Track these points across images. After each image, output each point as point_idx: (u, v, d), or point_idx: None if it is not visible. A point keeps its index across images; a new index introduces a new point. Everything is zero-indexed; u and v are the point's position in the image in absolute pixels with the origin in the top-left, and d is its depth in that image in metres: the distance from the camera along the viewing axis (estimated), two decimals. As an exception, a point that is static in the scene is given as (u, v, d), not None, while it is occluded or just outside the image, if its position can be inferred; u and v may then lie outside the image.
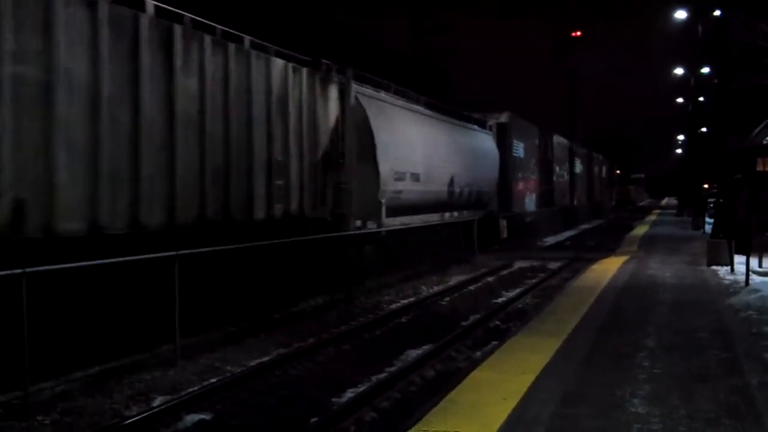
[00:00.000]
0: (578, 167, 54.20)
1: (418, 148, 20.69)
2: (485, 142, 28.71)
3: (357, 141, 17.14)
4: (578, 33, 74.46)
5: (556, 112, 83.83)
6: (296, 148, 14.86)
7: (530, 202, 35.67)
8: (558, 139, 44.80)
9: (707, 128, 42.17)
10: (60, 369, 9.32)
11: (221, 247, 11.91)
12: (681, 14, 36.13)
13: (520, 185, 33.47)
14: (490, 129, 29.95)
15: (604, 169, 72.87)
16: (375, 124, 17.81)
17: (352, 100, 17.25)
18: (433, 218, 21.79)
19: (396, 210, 18.81)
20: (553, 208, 42.40)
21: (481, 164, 26.83)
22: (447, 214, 23.35)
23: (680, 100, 61.75)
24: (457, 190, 23.73)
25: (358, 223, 17.07)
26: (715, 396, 7.34)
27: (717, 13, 23.71)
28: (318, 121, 15.83)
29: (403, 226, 19.38)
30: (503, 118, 31.33)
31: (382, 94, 19.62)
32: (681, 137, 78.92)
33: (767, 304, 12.72)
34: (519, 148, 33.07)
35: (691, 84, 48.95)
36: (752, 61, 25.38)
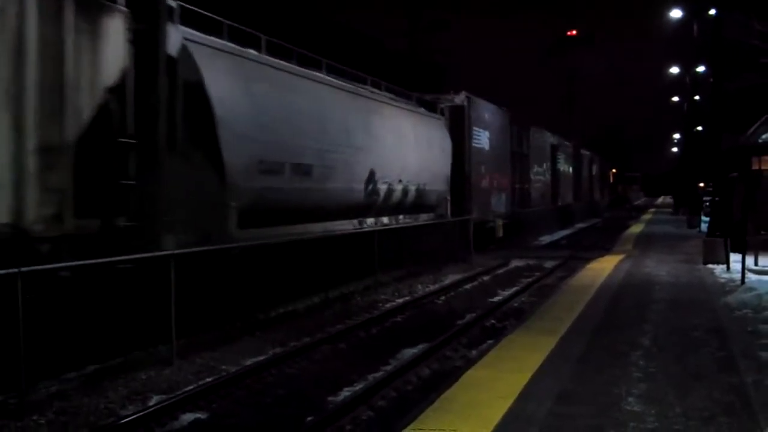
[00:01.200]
0: (562, 164, 49.14)
1: (310, 131, 15.18)
2: (433, 128, 23.53)
3: (183, 114, 11.85)
4: (574, 32, 74.55)
5: (554, 112, 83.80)
6: (6, 116, 8.97)
7: (499, 203, 30.07)
8: (537, 133, 40.01)
9: (703, 127, 42.19)
10: (55, 369, 9.29)
11: (218, 246, 11.89)
12: (677, 13, 36.20)
13: (484, 183, 27.80)
14: (442, 113, 24.94)
15: (594, 167, 68.74)
16: (216, 88, 12.31)
17: (172, 49, 11.60)
18: (341, 226, 16.97)
19: (266, 216, 13.72)
20: (532, 209, 37.39)
21: (425, 156, 21.95)
22: (369, 220, 18.78)
23: (676, 99, 61.90)
24: (381, 188, 18.82)
25: (185, 238, 11.67)
26: (711, 394, 7.36)
27: (712, 12, 23.76)
28: (69, 74, 9.71)
29: (278, 241, 13.86)
30: (459, 99, 25.77)
31: (248, 51, 14.11)
32: (677, 136, 79.05)
33: (763, 302, 12.74)
34: (481, 138, 27.49)
35: (687, 83, 49.01)
36: (747, 60, 25.41)
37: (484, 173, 27.68)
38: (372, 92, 19.67)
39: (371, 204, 18.47)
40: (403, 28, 47.18)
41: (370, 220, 18.66)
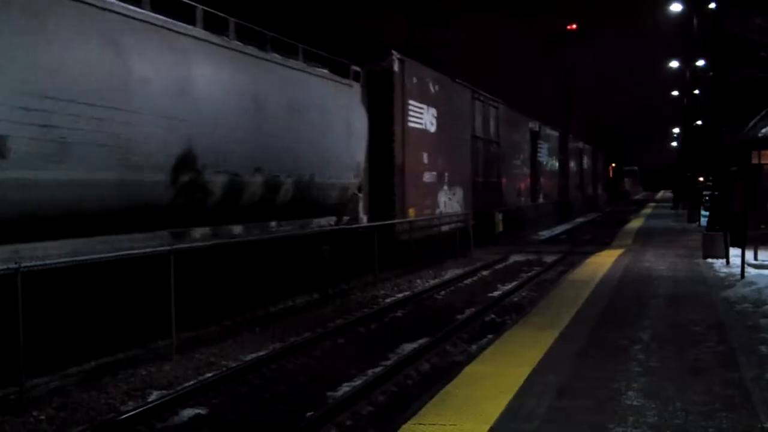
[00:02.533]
0: (545, 155, 42.79)
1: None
2: (337, 97, 16.79)
3: None
4: (574, 26, 74.48)
5: (554, 106, 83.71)
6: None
7: (452, 203, 24.23)
8: (512, 115, 33.56)
9: (702, 121, 42.17)
10: (55, 364, 9.30)
11: (216, 242, 11.89)
12: (676, 7, 36.17)
13: (428, 176, 21.89)
14: (357, 79, 17.99)
15: (586, 158, 62.04)
16: None
17: None
18: (88, 247, 9.97)
19: None
20: (505, 208, 31.41)
21: (315, 134, 15.53)
22: (197, 232, 12.29)
23: (676, 93, 61.88)
24: (214, 181, 12.36)
25: None
26: (711, 389, 7.35)
27: (712, 6, 23.74)
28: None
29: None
30: (387, 63, 19.29)
31: None
32: (676, 130, 79.03)
33: (762, 296, 12.73)
34: (424, 117, 21.35)
35: (687, 77, 48.98)
36: (747, 55, 25.39)
37: (427, 163, 21.59)
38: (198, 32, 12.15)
39: (189, 206, 11.94)
40: (401, 24, 47.16)
41: (197, 233, 12.28)
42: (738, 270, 15.76)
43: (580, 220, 50.10)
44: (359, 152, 17.81)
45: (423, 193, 21.41)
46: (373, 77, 18.78)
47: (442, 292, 17.35)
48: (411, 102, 20.41)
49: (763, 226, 20.60)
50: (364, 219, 18.14)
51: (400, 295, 16.47)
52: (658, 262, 19.15)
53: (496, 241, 28.39)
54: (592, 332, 10.17)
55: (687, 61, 47.05)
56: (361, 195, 18.05)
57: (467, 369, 8.23)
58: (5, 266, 8.16)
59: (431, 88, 22.35)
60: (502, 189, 31.33)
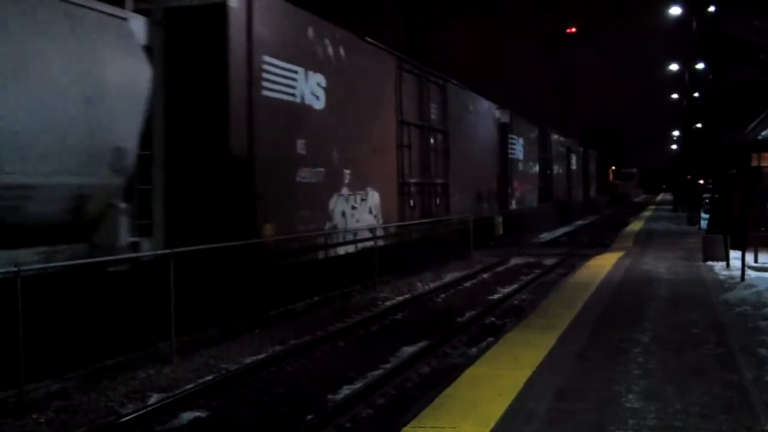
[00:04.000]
0: (520, 152, 35.06)
1: None
2: (61, 33, 9.75)
3: None
4: (573, 29, 74.57)
5: (554, 109, 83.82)
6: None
7: (361, 212, 17.73)
8: (467, 98, 26.89)
9: (702, 124, 42.17)
10: (55, 367, 9.29)
11: (215, 245, 11.88)
12: (676, 10, 36.21)
13: (307, 175, 15.08)
14: (144, 14, 11.61)
15: (574, 158, 54.03)
16: None
17: None
18: None
19: None
20: (448, 218, 23.92)
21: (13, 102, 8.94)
22: None
23: (675, 96, 61.94)
24: None
25: None
26: (710, 391, 7.35)
27: (711, 9, 23.77)
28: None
29: None
30: None
31: None
32: (676, 133, 79.08)
33: (762, 299, 12.73)
34: (299, 85, 14.79)
35: (686, 79, 49.04)
36: (746, 57, 25.42)
37: (305, 154, 14.91)
38: None
39: None
40: (401, 25, 47.22)
41: None
42: (738, 272, 15.75)
43: (579, 222, 50.04)
44: (125, 130, 10.76)
45: (297, 200, 14.73)
46: (184, 15, 12.28)
47: (442, 295, 17.35)
48: (269, 60, 13.74)
49: (763, 229, 20.62)
50: (139, 245, 11.09)
51: (400, 298, 16.47)
52: (658, 264, 19.14)
53: (494, 243, 28.37)
54: (592, 334, 10.16)
55: (686, 64, 47.09)
56: (124, 206, 10.84)
57: (467, 371, 8.22)
58: (5, 270, 8.16)
59: (316, 44, 15.63)
60: (448, 193, 24.01)
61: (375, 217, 18.60)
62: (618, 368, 8.26)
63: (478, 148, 28.15)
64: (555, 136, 45.81)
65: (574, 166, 53.86)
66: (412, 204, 21.28)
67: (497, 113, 31.43)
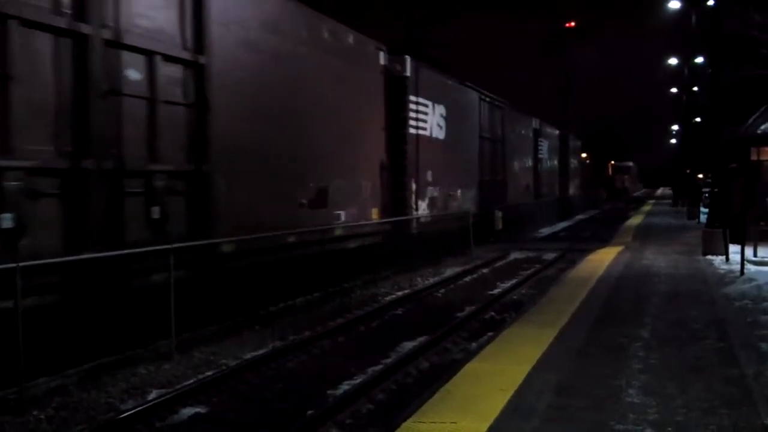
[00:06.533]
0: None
1: None
2: None
3: None
4: (572, 24, 74.43)
5: (553, 104, 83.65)
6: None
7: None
8: (365, 46, 18.51)
9: (701, 118, 42.13)
10: (55, 364, 9.28)
11: (214, 240, 11.88)
12: (675, 4, 36.17)
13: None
14: None
15: (545, 145, 41.74)
16: None
17: None
18: None
19: None
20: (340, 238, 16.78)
21: None
22: None
23: (675, 90, 61.90)
24: None
25: None
26: (711, 386, 7.35)
27: (711, 2, 23.72)
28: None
29: None
30: None
31: None
32: (676, 127, 79.07)
33: (762, 293, 12.74)
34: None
35: (686, 74, 49.00)
36: (746, 52, 25.39)
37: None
38: None
39: None
40: (400, 24, 47.11)
41: None
42: (737, 267, 15.77)
43: (580, 216, 49.93)
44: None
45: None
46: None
47: (442, 290, 17.34)
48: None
49: (762, 223, 20.63)
50: None
51: (400, 293, 16.46)
52: (658, 259, 19.15)
53: (494, 238, 28.34)
54: (592, 330, 10.16)
55: (686, 59, 47.04)
56: None
57: (467, 367, 8.22)
58: (4, 265, 8.14)
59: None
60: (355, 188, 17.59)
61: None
62: (618, 363, 8.26)
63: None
64: (538, 123, 37.93)
65: (545, 156, 42.00)
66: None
67: (381, 58, 20.00)
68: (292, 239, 14.35)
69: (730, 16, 23.23)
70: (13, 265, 8.18)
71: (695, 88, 46.98)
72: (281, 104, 14.47)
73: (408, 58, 20.47)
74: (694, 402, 6.83)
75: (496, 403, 6.77)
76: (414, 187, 20.98)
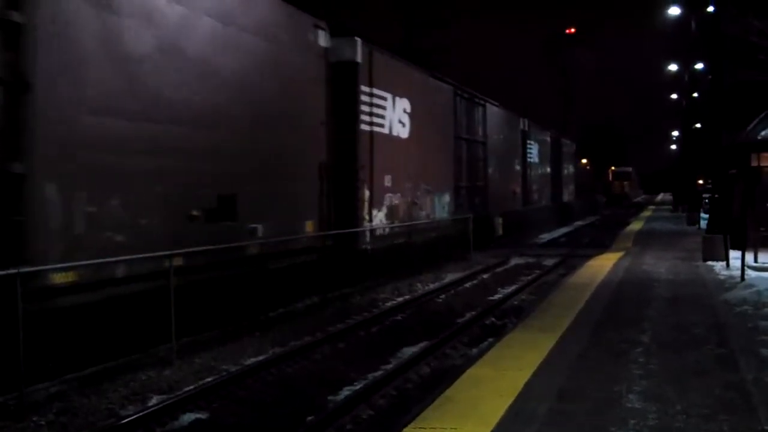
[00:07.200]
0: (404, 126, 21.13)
1: None
2: None
3: None
4: (572, 30, 74.59)
5: (554, 109, 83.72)
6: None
7: None
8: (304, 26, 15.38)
9: (701, 124, 42.11)
10: (55, 370, 9.28)
11: (213, 247, 11.88)
12: (675, 11, 36.21)
13: None
14: None
15: (535, 148, 38.96)
16: None
17: None
18: None
19: None
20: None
21: None
22: None
23: (675, 96, 61.94)
24: None
25: None
26: (711, 391, 7.34)
27: (710, 9, 23.76)
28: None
29: None
30: None
31: None
32: (676, 133, 79.08)
33: (762, 299, 12.73)
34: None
35: (685, 80, 49.03)
36: (745, 57, 25.41)
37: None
38: None
39: None
40: (398, 25, 47.18)
41: None
42: (738, 272, 15.75)
43: (579, 222, 49.87)
44: None
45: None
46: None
47: (443, 296, 17.34)
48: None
49: (762, 229, 20.62)
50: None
51: (400, 299, 16.45)
52: (658, 264, 19.14)
53: (494, 243, 28.34)
54: (593, 335, 10.16)
55: (686, 64, 47.06)
56: None
57: (468, 372, 8.22)
58: (5, 271, 8.14)
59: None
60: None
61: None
62: (619, 369, 8.26)
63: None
64: (499, 114, 31.28)
65: (534, 160, 39.12)
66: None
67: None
68: (179, 262, 10.81)
69: (729, 21, 23.26)
70: (14, 271, 8.17)
71: (695, 94, 47.00)
72: (156, 83, 10.82)
73: (358, 41, 17.06)
74: (695, 407, 6.82)
75: (497, 409, 6.77)
76: (367, 194, 17.57)
